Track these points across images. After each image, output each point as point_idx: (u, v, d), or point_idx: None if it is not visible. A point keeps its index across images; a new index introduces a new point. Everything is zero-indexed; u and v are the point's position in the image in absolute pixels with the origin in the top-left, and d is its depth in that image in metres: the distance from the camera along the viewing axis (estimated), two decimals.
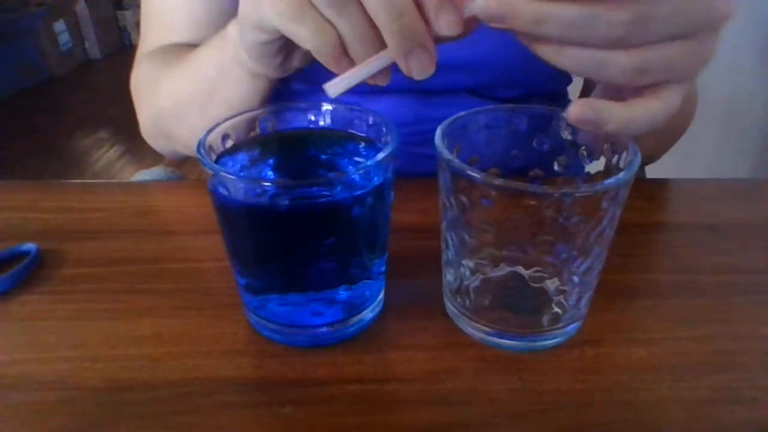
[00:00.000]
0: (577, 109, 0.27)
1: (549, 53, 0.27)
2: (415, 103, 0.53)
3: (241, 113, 0.34)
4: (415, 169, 0.53)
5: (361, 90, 0.53)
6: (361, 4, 0.28)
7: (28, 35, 2.71)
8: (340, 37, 0.30)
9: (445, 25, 0.28)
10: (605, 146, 0.31)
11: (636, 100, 0.28)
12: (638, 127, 0.27)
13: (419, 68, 0.29)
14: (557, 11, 0.25)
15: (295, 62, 0.39)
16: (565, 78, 0.61)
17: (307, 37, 0.30)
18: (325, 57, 0.30)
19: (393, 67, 0.30)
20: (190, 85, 0.48)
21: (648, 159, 0.55)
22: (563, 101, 0.64)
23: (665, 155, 0.56)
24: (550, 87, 0.60)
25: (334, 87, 0.30)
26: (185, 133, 0.51)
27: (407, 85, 0.53)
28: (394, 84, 0.31)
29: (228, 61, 0.42)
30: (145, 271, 0.39)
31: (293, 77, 0.42)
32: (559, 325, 0.32)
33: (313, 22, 0.29)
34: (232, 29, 0.40)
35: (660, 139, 0.52)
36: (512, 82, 0.54)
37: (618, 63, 0.26)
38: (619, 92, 0.30)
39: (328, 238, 0.29)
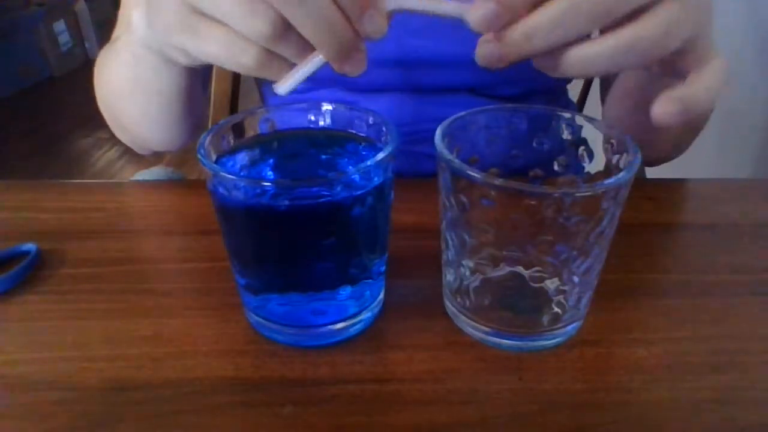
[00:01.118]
0: (661, 108, 0.27)
1: (557, 65, 0.28)
2: (415, 102, 0.53)
3: (241, 113, 0.34)
4: (415, 169, 0.53)
5: (360, 89, 0.53)
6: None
7: (28, 35, 2.71)
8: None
9: (372, 30, 0.29)
10: (605, 146, 0.31)
11: (691, 75, 0.28)
12: (710, 98, 0.28)
13: (353, 70, 0.30)
14: (540, 18, 0.26)
15: None
16: None
17: (266, 75, 0.30)
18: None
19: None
20: (118, 74, 0.47)
21: (664, 158, 0.55)
22: (563, 98, 0.65)
23: None
24: (551, 84, 0.59)
25: (284, 86, 0.31)
26: (127, 123, 0.50)
27: (407, 85, 0.53)
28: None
29: (139, 50, 0.40)
30: (145, 271, 0.39)
31: None
32: (559, 325, 0.32)
33: (277, 69, 0.30)
34: (139, 20, 0.37)
35: (680, 137, 0.52)
36: (512, 80, 0.54)
37: (639, 38, 0.26)
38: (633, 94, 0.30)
39: (328, 238, 0.29)
